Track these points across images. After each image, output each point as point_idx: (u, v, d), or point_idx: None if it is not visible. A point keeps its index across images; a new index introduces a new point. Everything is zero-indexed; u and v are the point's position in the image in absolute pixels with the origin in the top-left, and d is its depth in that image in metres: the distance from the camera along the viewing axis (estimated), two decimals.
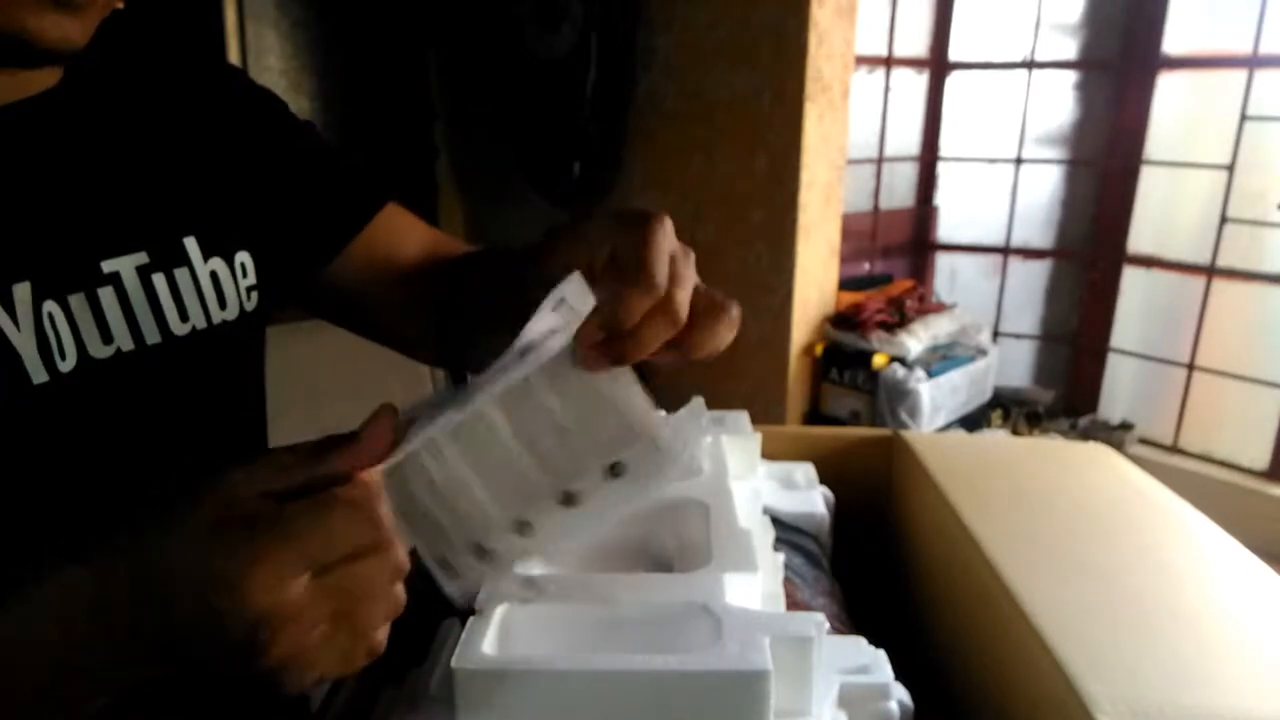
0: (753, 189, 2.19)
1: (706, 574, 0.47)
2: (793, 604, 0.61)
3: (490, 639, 0.41)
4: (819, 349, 2.27)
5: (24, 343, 0.44)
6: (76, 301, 0.47)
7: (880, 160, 2.71)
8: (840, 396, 2.26)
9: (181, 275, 0.52)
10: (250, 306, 0.57)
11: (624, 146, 2.43)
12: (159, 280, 0.51)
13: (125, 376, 0.49)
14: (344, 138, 2.44)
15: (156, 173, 0.54)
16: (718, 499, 0.56)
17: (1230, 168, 2.36)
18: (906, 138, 2.81)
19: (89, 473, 0.49)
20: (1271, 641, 0.50)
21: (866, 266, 2.73)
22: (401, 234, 0.67)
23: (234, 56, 2.17)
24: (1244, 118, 2.33)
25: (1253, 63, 2.30)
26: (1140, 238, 2.60)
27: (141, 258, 0.50)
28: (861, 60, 2.38)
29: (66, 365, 0.46)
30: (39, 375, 0.45)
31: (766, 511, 0.69)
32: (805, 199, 2.12)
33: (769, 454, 0.79)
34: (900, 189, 2.84)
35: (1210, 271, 2.44)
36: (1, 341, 0.44)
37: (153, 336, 0.50)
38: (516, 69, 2.49)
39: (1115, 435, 2.52)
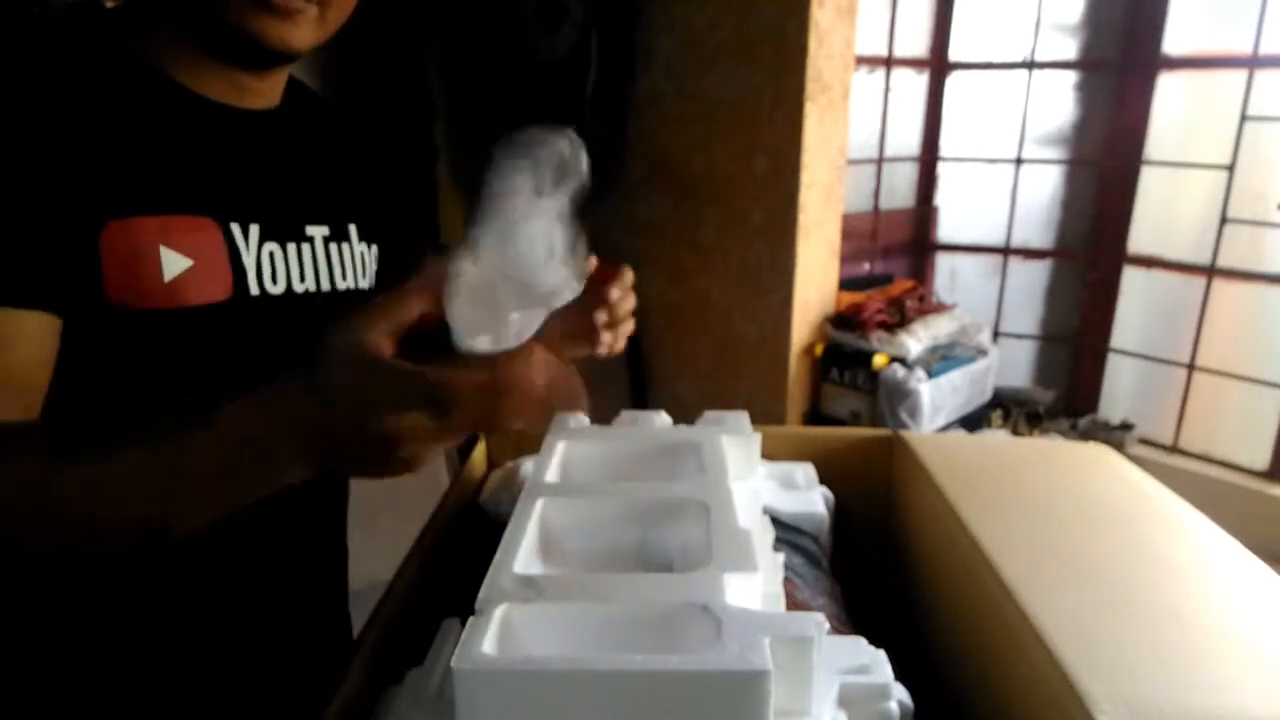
0: (753, 189, 2.19)
1: (706, 574, 0.47)
2: (793, 604, 0.61)
3: (490, 639, 0.41)
4: (819, 349, 2.27)
5: (250, 263, 0.64)
6: (291, 248, 0.67)
7: (880, 160, 2.71)
8: (840, 396, 2.26)
9: (345, 248, 0.73)
10: (370, 285, 0.77)
11: (624, 146, 2.43)
12: (333, 247, 0.72)
13: (307, 307, 0.68)
14: None
15: (339, 175, 0.75)
16: (718, 499, 0.56)
17: (1230, 168, 2.36)
18: (906, 138, 2.80)
19: (269, 366, 0.63)
20: (1271, 641, 0.50)
21: (866, 266, 2.73)
22: None
23: None
24: (1244, 118, 2.33)
25: (1253, 63, 2.30)
26: (1140, 238, 2.60)
27: (326, 230, 0.71)
28: (861, 60, 2.38)
29: (278, 289, 0.66)
30: (254, 289, 0.64)
31: (766, 511, 0.69)
32: (805, 199, 2.12)
33: (769, 454, 0.79)
34: (900, 189, 2.84)
35: (1210, 271, 2.44)
36: (237, 256, 0.63)
37: (326, 285, 0.71)
38: (517, 69, 2.49)
39: (1115, 435, 2.52)
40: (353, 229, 0.74)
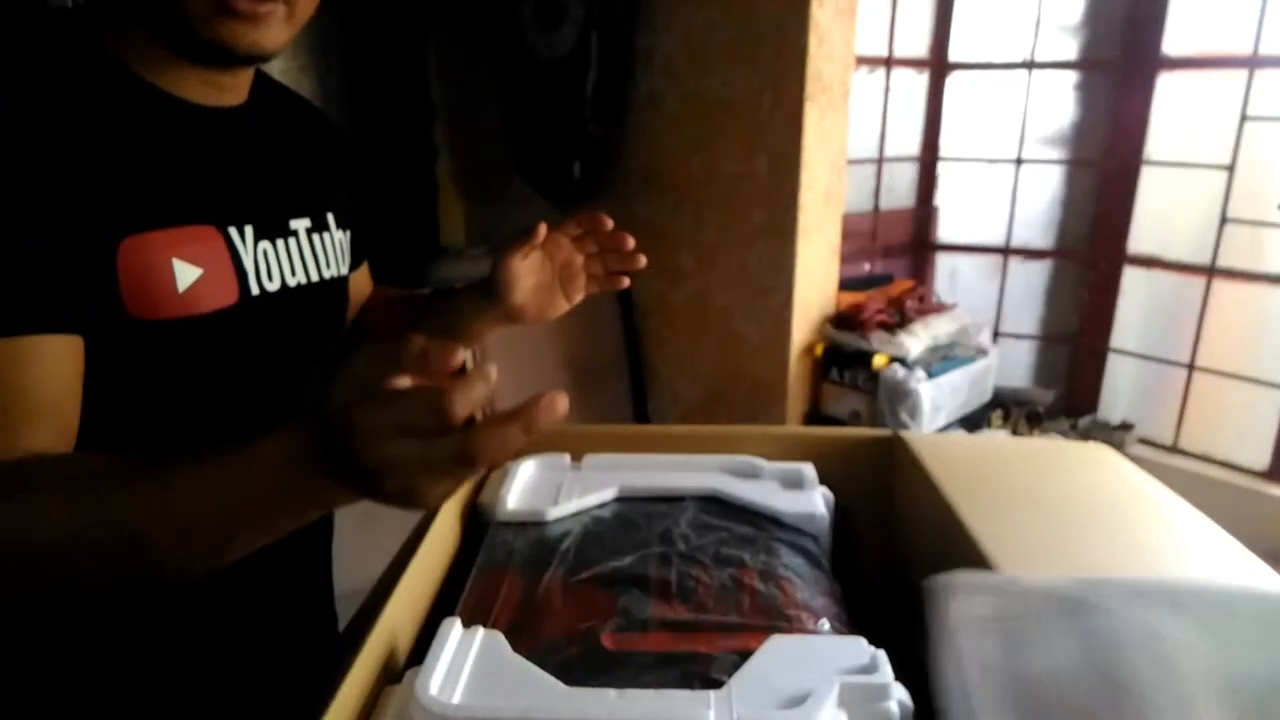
0: (753, 189, 2.19)
1: None
2: (792, 604, 0.61)
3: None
4: (819, 349, 2.27)
5: (249, 264, 0.65)
6: (280, 244, 0.69)
7: (880, 160, 2.71)
8: (840, 396, 2.26)
9: (326, 237, 0.75)
10: (347, 270, 0.80)
11: (624, 146, 2.43)
12: (315, 238, 0.73)
13: (300, 299, 0.71)
14: None
15: (312, 164, 0.76)
16: None
17: (1230, 168, 2.36)
18: (906, 138, 2.81)
19: (272, 361, 0.69)
20: None
21: (867, 266, 2.73)
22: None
23: None
24: (1244, 118, 2.33)
25: (1253, 63, 2.30)
26: (1140, 238, 2.60)
27: (307, 222, 0.73)
28: (861, 60, 2.38)
29: (274, 286, 0.68)
30: (255, 289, 0.66)
31: (767, 511, 0.69)
32: (805, 199, 2.12)
33: (769, 454, 0.79)
34: (900, 189, 2.84)
35: (1210, 272, 2.44)
36: (238, 259, 0.64)
37: (314, 276, 0.73)
38: (516, 69, 2.50)
39: (1115, 435, 2.52)
40: (330, 217, 0.76)
